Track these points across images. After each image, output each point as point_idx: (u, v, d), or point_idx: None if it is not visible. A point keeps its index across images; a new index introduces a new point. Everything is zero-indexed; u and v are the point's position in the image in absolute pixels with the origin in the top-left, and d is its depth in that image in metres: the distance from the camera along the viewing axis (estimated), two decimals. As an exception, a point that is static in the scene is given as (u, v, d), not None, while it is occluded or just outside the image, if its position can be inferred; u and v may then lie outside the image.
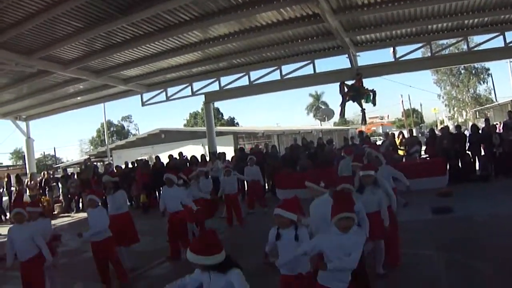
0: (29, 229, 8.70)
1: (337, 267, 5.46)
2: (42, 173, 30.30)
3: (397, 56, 23.02)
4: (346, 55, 22.98)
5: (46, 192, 27.15)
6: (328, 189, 7.40)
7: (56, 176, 31.38)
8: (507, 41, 21.63)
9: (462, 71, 68.97)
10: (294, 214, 6.22)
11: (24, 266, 8.59)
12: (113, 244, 10.30)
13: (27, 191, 27.15)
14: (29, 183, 27.60)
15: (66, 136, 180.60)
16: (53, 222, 12.56)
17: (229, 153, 25.44)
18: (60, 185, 27.89)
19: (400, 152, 21.96)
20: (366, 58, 73.69)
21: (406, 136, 23.44)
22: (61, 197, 27.89)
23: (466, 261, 9.06)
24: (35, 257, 8.59)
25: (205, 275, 4.91)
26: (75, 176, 27.58)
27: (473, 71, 68.87)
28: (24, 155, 36.98)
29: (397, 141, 23.23)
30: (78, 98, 29.02)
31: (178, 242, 12.39)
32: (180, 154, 25.65)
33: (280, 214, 6.23)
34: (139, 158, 31.04)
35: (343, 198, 6.08)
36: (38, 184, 27.46)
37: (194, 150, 33.95)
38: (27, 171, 32.14)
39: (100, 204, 10.22)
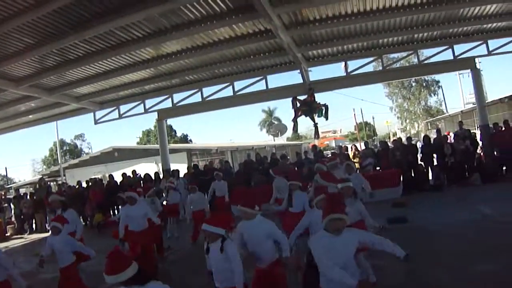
0: None
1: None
2: (-7, 194, 29.96)
3: (349, 70, 23.34)
4: (298, 71, 23.18)
5: (-2, 214, 26.79)
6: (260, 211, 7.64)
7: (8, 196, 30.93)
8: (456, 54, 22.22)
9: (413, 84, 69.92)
10: (220, 229, 6.45)
11: None
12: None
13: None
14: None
15: (18, 155, 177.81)
16: (5, 244, 12.44)
17: (183, 170, 25.37)
18: (12, 206, 27.40)
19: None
20: (318, 73, 74.21)
21: (359, 149, 23.71)
22: (13, 218, 27.47)
23: (424, 269, 9.18)
24: None
25: None
26: (28, 197, 27.29)
27: (424, 84, 69.90)
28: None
29: (351, 154, 23.48)
30: (30, 116, 28.68)
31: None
32: (134, 172, 25.55)
33: (204, 229, 6.54)
34: (92, 177, 30.81)
35: (335, 200, 6.23)
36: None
37: (148, 168, 33.89)
38: (-22, 192, 31.68)
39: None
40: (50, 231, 10.37)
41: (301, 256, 7.30)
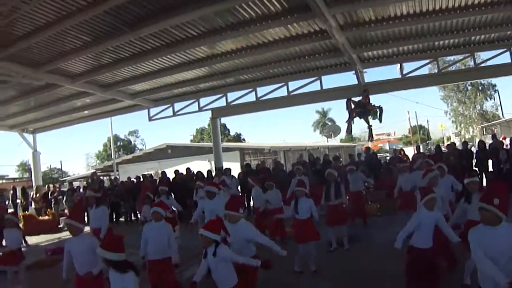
0: None
1: None
2: (47, 186, 30.35)
3: (404, 72, 22.97)
4: (353, 72, 22.88)
5: (52, 205, 27.11)
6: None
7: (62, 189, 31.32)
8: (513, 57, 21.59)
9: (469, 87, 68.74)
10: (215, 234, 6.87)
11: None
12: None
13: (33, 204, 27.20)
14: (34, 196, 27.64)
15: (73, 149, 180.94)
16: (58, 235, 12.55)
17: (236, 169, 25.36)
18: (65, 199, 27.72)
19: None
20: (373, 74, 73.68)
21: (407, 153, 23.48)
22: (66, 211, 27.77)
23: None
24: None
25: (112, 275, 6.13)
26: (81, 190, 27.58)
27: (480, 87, 68.64)
28: (31, 168, 37.02)
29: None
30: (85, 112, 29.08)
31: None
32: (188, 169, 25.58)
33: (203, 234, 6.88)
34: (144, 173, 31.00)
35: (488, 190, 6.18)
36: (43, 197, 27.41)
37: (201, 165, 33.87)
38: (33, 184, 32.18)
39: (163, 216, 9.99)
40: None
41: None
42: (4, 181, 49.92)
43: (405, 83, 23.36)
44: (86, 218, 13.56)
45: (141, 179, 26.02)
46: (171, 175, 25.65)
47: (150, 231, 9.15)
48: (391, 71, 63.81)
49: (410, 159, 21.94)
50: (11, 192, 27.63)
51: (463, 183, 17.53)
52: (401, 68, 22.86)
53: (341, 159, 28.18)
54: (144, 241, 9.14)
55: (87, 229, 10.09)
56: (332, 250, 13.47)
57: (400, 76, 23.14)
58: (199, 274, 7.01)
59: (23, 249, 11.50)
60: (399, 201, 15.11)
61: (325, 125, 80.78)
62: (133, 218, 25.31)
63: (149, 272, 8.84)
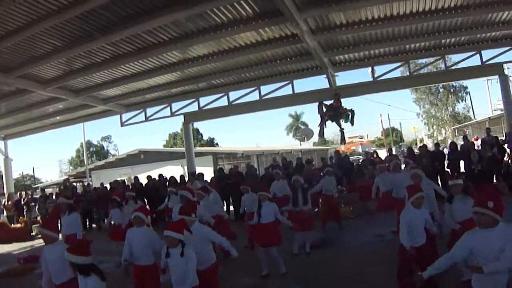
0: None
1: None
2: (19, 193, 30.12)
3: (376, 75, 23.19)
4: (325, 75, 23.07)
5: (24, 213, 26.90)
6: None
7: (34, 196, 31.11)
8: (484, 60, 21.93)
9: (441, 90, 69.05)
10: (180, 234, 6.98)
11: None
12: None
13: (4, 211, 26.98)
14: (6, 203, 27.42)
15: (46, 156, 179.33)
16: (30, 243, 12.48)
17: (209, 173, 25.32)
18: (38, 206, 27.51)
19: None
20: (344, 78, 74.03)
21: (381, 155, 23.63)
22: (39, 218, 27.61)
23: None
24: None
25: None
26: (54, 197, 27.41)
27: (452, 90, 68.97)
28: (2, 175, 36.74)
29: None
30: (57, 117, 28.96)
31: None
32: (160, 175, 25.56)
33: (168, 234, 6.96)
34: (117, 179, 30.89)
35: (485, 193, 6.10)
36: (15, 205, 27.20)
37: (174, 170, 33.83)
38: (5, 191, 31.93)
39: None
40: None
41: None
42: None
43: (376, 86, 23.63)
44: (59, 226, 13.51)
45: (111, 187, 25.89)
46: (144, 180, 25.60)
47: (133, 236, 9.09)
48: (363, 75, 64.23)
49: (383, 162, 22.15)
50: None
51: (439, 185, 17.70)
52: (373, 71, 23.05)
53: (313, 162, 28.27)
54: (128, 245, 8.88)
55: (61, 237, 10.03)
56: (296, 254, 13.45)
57: (371, 79, 23.32)
58: (161, 271, 7.23)
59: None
60: (376, 202, 15.12)
61: (298, 129, 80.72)
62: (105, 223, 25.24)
63: (134, 277, 8.80)
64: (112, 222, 14.86)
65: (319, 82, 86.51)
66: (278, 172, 17.42)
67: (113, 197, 15.53)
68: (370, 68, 23.13)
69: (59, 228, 9.51)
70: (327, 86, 23.82)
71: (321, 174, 18.14)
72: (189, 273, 6.82)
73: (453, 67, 23.87)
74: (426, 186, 10.28)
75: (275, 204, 11.52)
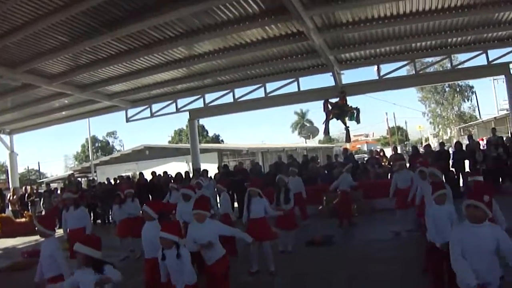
0: None
1: None
2: (24, 188, 30.18)
3: (382, 74, 23.09)
4: (330, 73, 23.01)
5: (29, 207, 26.94)
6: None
7: (39, 191, 31.17)
8: (490, 59, 21.81)
9: (447, 89, 68.72)
10: (175, 236, 7.01)
11: None
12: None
13: (9, 206, 27.02)
14: (11, 198, 27.48)
15: (51, 151, 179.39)
16: (35, 237, 12.50)
17: (213, 170, 25.29)
18: (42, 200, 27.56)
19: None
20: (350, 76, 73.80)
21: (387, 153, 23.57)
22: (43, 213, 27.63)
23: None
24: None
25: (80, 273, 6.24)
26: (59, 191, 27.44)
27: (458, 89, 68.62)
28: (7, 170, 36.85)
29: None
30: (63, 112, 29.00)
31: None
32: (165, 173, 25.50)
33: (163, 236, 6.98)
34: (122, 174, 30.90)
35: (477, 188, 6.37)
36: (20, 199, 27.23)
37: (179, 167, 33.79)
38: (10, 186, 32.02)
39: None
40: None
41: None
42: (-20, 182, 49.64)
43: (382, 84, 23.55)
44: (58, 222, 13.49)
45: (118, 181, 25.86)
46: (149, 176, 25.58)
47: (144, 231, 9.17)
48: (368, 73, 64.00)
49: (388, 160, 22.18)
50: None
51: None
52: (379, 70, 22.94)
53: (318, 160, 28.23)
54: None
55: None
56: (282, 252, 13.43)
57: (377, 78, 23.24)
58: (163, 275, 7.16)
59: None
60: (395, 200, 15.02)
61: (304, 126, 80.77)
62: (110, 220, 25.15)
63: (144, 271, 8.85)
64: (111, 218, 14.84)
65: (324, 80, 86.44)
66: (294, 170, 17.51)
67: (117, 192, 15.54)
68: (376, 67, 23.02)
69: (59, 225, 9.48)
70: (333, 84, 23.72)
71: (325, 171, 18.08)
72: (185, 270, 6.87)
73: (459, 66, 23.81)
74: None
75: (265, 200, 11.52)
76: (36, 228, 8.97)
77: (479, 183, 7.48)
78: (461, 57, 25.27)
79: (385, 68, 23.34)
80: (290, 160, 24.77)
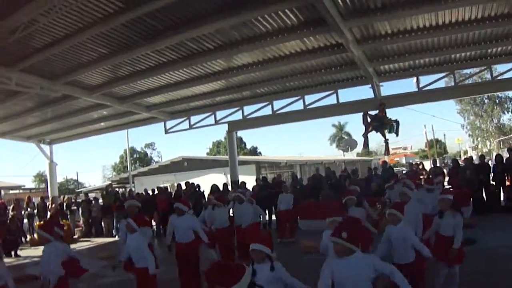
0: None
1: None
2: (62, 197, 30.51)
3: (420, 85, 22.80)
4: (370, 85, 22.84)
5: (68, 216, 27.16)
6: None
7: (77, 200, 31.47)
8: (531, 70, 21.38)
9: (486, 101, 67.74)
10: (268, 248, 6.23)
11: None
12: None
13: (48, 214, 27.27)
14: (50, 206, 27.73)
15: (89, 161, 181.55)
16: (73, 246, 12.55)
17: (251, 182, 25.23)
18: (81, 210, 27.82)
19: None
20: (389, 88, 73.51)
21: (426, 167, 23.35)
22: (81, 222, 27.93)
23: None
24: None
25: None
26: (98, 201, 27.70)
27: (497, 101, 67.58)
28: (47, 179, 37.22)
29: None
30: (102, 123, 29.31)
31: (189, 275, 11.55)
32: (188, 183, 25.27)
33: (255, 248, 6.18)
34: (160, 185, 31.00)
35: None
36: (57, 208, 27.46)
37: (216, 178, 33.81)
38: (49, 195, 32.38)
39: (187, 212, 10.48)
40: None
41: None
42: (20, 191, 50.18)
43: (421, 96, 23.17)
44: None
45: (156, 192, 25.91)
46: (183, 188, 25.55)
47: (176, 222, 10.09)
48: (407, 85, 63.60)
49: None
50: (26, 201, 27.71)
51: (474, 197, 17.33)
52: (418, 82, 22.67)
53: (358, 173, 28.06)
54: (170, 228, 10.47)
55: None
56: None
57: (416, 90, 22.95)
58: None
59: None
60: None
61: (342, 139, 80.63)
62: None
63: (177, 253, 9.64)
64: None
65: (364, 92, 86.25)
66: (286, 186, 18.14)
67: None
68: (415, 78, 22.77)
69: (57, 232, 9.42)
70: (372, 96, 23.54)
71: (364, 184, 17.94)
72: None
73: (499, 78, 23.43)
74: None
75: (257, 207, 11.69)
76: (80, 237, 9.24)
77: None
78: (500, 67, 24.83)
79: (424, 79, 23.05)
80: (339, 172, 24.68)
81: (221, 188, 22.87)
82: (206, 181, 26.99)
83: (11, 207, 25.82)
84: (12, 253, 21.33)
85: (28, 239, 25.77)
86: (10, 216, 24.26)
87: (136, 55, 17.08)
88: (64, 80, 19.09)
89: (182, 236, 11.52)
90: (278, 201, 19.11)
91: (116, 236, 22.92)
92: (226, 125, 27.95)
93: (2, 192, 44.22)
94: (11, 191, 47.85)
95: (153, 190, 26.44)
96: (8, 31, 13.57)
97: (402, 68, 22.27)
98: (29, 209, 27.28)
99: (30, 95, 20.80)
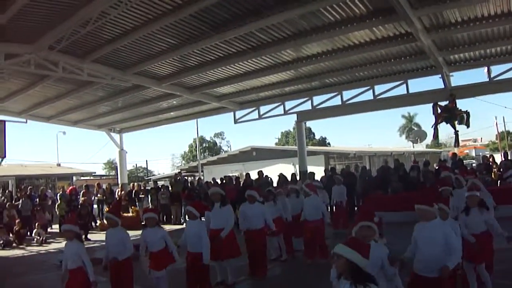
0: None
1: None
2: (132, 184, 30.94)
3: (492, 75, 22.25)
4: (440, 75, 22.47)
5: (136, 203, 27.53)
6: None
7: (146, 188, 31.89)
8: None
9: (561, 91, 66.35)
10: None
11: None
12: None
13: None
14: (119, 193, 28.17)
15: (158, 149, 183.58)
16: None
17: (320, 173, 25.13)
18: (150, 197, 28.23)
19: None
20: (458, 78, 72.26)
21: (496, 160, 22.88)
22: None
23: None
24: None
25: None
26: (168, 189, 27.98)
27: None
28: (117, 166, 37.91)
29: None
30: (172, 113, 29.74)
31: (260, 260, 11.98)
32: (260, 173, 25.21)
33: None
34: (229, 175, 31.16)
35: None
36: (127, 195, 27.94)
37: (285, 168, 33.84)
38: (119, 182, 32.98)
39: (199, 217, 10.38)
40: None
41: None
42: (91, 177, 51.23)
43: (493, 87, 22.57)
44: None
45: (224, 181, 25.99)
46: (255, 177, 25.60)
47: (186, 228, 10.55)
48: (477, 75, 62.28)
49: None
50: (96, 188, 28.24)
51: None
52: (489, 71, 22.16)
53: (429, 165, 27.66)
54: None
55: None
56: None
57: (487, 80, 22.42)
58: None
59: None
60: None
61: (411, 130, 79.70)
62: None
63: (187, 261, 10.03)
64: None
65: (434, 82, 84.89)
66: (339, 178, 19.20)
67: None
68: (486, 68, 22.24)
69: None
70: (442, 86, 23.15)
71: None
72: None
73: None
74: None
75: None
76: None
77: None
78: None
79: (496, 69, 22.47)
80: (415, 164, 24.35)
81: (289, 179, 22.93)
82: (274, 171, 27.01)
83: (81, 193, 26.39)
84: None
85: (98, 224, 26.74)
86: (80, 201, 24.85)
87: (205, 46, 17.24)
88: (134, 70, 19.54)
89: (252, 223, 12.00)
90: (332, 193, 19.32)
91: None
92: (295, 115, 27.96)
93: (74, 178, 45.30)
94: (82, 178, 48.83)
95: (221, 179, 26.57)
96: (80, 24, 13.87)
97: (472, 58, 21.74)
98: (98, 195, 27.81)
99: (101, 85, 21.37)
